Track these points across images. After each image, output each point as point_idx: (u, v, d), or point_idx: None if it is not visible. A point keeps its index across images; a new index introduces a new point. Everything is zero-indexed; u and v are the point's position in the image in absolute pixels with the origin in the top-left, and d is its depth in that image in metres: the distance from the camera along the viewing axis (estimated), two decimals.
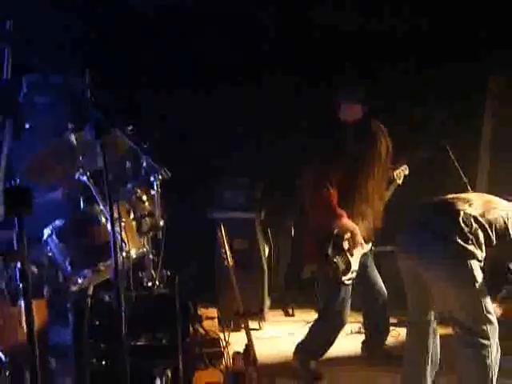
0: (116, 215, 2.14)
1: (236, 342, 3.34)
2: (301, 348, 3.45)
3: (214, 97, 4.21)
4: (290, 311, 4.47)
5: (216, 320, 3.80)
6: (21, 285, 1.31)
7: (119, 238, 2.22)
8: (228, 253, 2.75)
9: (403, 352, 2.95)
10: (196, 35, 4.08)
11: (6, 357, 1.91)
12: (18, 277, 1.31)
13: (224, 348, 3.42)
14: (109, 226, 2.24)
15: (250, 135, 4.30)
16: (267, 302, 4.30)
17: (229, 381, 2.85)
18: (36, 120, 3.54)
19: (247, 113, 4.25)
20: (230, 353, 3.31)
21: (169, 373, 2.74)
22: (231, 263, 2.74)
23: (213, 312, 3.88)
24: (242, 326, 3.72)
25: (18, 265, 1.31)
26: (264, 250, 4.19)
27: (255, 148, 4.27)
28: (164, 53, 4.09)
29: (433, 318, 2.82)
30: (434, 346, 2.85)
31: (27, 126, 3.56)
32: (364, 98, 3.26)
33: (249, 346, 2.88)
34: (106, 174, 1.79)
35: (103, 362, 2.67)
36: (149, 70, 4.04)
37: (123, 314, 2.05)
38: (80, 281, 2.45)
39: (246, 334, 2.85)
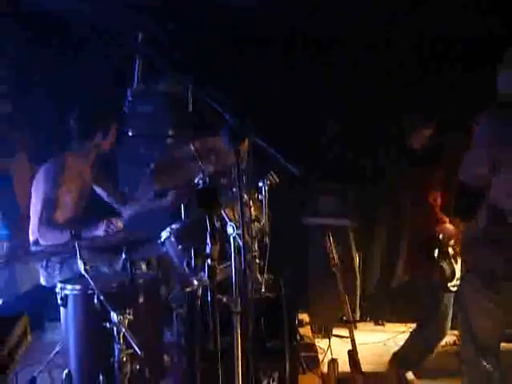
0: (238, 219, 2.19)
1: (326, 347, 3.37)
2: (397, 358, 3.40)
3: (305, 100, 4.21)
4: (381, 320, 4.41)
5: (308, 326, 3.82)
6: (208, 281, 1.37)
7: (241, 242, 2.27)
8: (336, 261, 2.76)
9: None
10: None
11: (141, 351, 1.99)
12: (206, 273, 1.36)
13: (321, 354, 3.44)
14: (228, 230, 2.29)
15: (346, 140, 4.29)
16: (358, 311, 4.27)
17: None
18: (139, 127, 3.70)
19: (338, 116, 4.24)
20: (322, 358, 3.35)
21: (275, 376, 2.77)
22: (339, 271, 2.74)
23: (305, 317, 3.90)
24: (332, 333, 3.75)
25: (208, 261, 1.37)
26: (356, 257, 4.17)
27: (349, 153, 4.26)
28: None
29: None
30: None
31: (130, 133, 3.72)
32: None
33: (353, 353, 2.88)
34: (240, 177, 1.84)
35: (213, 363, 2.72)
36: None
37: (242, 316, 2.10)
38: (195, 282, 2.53)
39: (351, 340, 2.85)
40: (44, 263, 3.24)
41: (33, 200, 3.34)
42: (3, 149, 3.80)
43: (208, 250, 1.42)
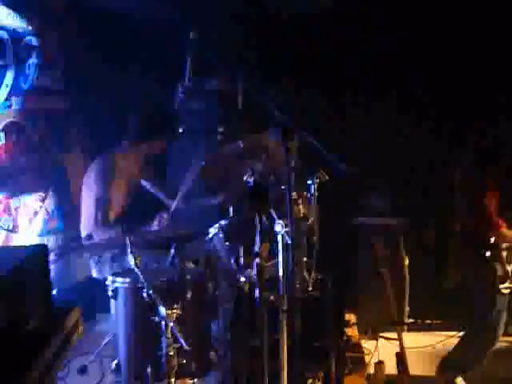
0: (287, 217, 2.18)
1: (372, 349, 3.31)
2: (447, 362, 3.31)
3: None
4: (430, 323, 4.30)
5: (355, 326, 3.77)
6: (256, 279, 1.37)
7: (289, 239, 2.26)
8: (385, 262, 2.71)
9: None
10: None
11: (188, 345, 2.01)
12: (255, 272, 1.36)
13: (367, 355, 3.39)
14: (276, 228, 2.28)
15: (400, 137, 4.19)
16: (407, 313, 4.18)
17: None
18: (190, 124, 3.73)
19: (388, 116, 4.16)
20: (368, 360, 3.30)
21: (321, 376, 2.75)
22: (388, 272, 2.70)
23: (352, 318, 3.85)
24: (379, 334, 3.68)
25: (257, 260, 1.37)
26: (405, 259, 4.08)
27: (402, 153, 4.16)
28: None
29: None
30: None
31: (181, 129, 3.77)
32: None
33: (401, 355, 2.82)
34: (290, 175, 1.83)
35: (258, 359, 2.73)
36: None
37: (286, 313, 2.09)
38: (242, 279, 2.54)
39: (400, 343, 2.79)
40: (96, 258, 3.34)
41: (84, 197, 3.44)
42: (60, 143, 3.92)
43: (257, 248, 1.42)
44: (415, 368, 3.53)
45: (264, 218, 1.72)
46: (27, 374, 1.41)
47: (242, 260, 2.47)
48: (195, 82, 3.51)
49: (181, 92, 3.70)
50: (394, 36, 4.01)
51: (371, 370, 3.17)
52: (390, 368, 3.09)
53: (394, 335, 4.03)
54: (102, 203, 3.26)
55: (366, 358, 3.41)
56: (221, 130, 3.63)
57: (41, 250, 1.75)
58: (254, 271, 2.25)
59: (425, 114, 4.12)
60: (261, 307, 2.24)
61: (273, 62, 3.97)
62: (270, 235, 2.26)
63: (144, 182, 3.51)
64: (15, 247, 2.90)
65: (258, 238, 1.65)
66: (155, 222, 3.05)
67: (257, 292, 2.15)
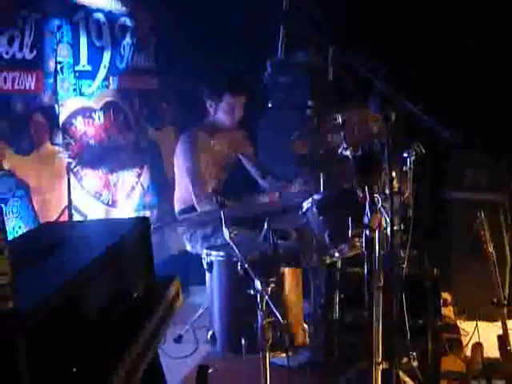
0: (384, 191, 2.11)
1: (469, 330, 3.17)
2: None
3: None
4: None
5: (451, 306, 3.63)
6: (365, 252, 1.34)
7: (386, 214, 2.18)
8: (488, 239, 2.57)
9: None
10: None
11: (283, 319, 2.02)
12: (364, 244, 1.33)
13: (464, 336, 3.26)
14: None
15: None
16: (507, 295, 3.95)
17: (483, 372, 2.67)
18: (278, 99, 3.71)
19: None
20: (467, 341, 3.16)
21: (416, 355, 2.67)
22: (492, 251, 2.55)
23: (447, 297, 3.70)
24: (479, 315, 3.50)
25: (367, 232, 1.34)
26: (506, 237, 3.84)
27: (501, 121, 3.88)
28: None
29: None
30: None
31: (270, 105, 3.75)
32: None
33: (504, 338, 2.68)
34: (388, 147, 1.75)
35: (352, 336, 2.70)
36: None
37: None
38: (336, 254, 2.50)
39: (502, 324, 2.65)
40: (188, 236, 3.43)
41: (176, 172, 3.53)
42: (153, 121, 4.04)
43: (366, 220, 1.37)
44: None
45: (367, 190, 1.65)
46: (133, 344, 1.47)
47: (336, 235, 2.43)
48: (285, 55, 3.47)
49: (270, 66, 3.69)
50: None
51: (468, 352, 3.04)
52: (489, 351, 2.94)
53: (492, 317, 3.86)
54: (194, 176, 3.34)
55: (464, 340, 3.29)
56: (311, 104, 3.58)
57: (143, 222, 1.80)
58: (364, 244, 2.16)
59: None
60: (370, 283, 2.19)
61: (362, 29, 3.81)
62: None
63: (242, 158, 3.56)
64: (118, 219, 3.04)
65: (368, 210, 1.59)
66: (249, 198, 3.08)
67: (365, 267, 2.09)
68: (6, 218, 2.65)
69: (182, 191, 3.49)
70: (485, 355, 2.92)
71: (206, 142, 3.43)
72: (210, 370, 1.99)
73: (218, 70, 3.69)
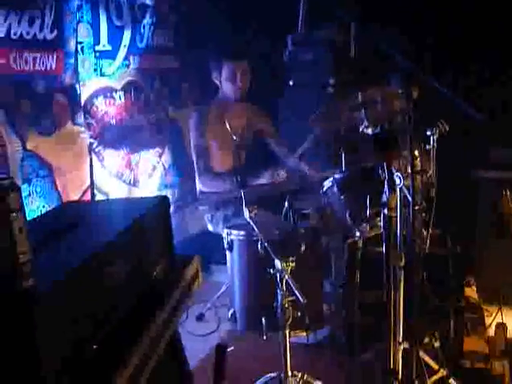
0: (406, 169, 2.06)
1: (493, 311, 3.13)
2: None
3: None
4: None
5: (474, 287, 3.58)
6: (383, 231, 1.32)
7: (408, 193, 2.14)
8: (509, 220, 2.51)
9: None
10: None
11: (303, 298, 2.01)
12: (382, 223, 1.31)
13: (487, 317, 3.22)
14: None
15: None
16: None
17: (506, 352, 2.64)
18: (300, 77, 3.66)
19: None
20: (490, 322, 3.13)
21: (438, 335, 2.65)
22: None
23: (471, 278, 3.66)
24: (503, 296, 3.46)
25: (385, 211, 1.32)
26: None
27: None
28: None
29: None
30: None
31: (291, 82, 3.71)
32: None
33: None
34: (410, 124, 1.71)
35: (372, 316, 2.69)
36: None
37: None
38: (358, 234, 2.48)
39: None
40: (209, 216, 3.43)
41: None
42: (174, 101, 4.03)
43: (384, 198, 1.35)
44: None
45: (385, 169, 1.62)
46: (152, 320, 1.48)
47: (357, 215, 2.40)
48: (306, 32, 3.41)
49: (291, 43, 3.63)
50: None
51: (491, 332, 3.01)
52: None
53: None
54: (199, 150, 3.35)
55: (487, 320, 3.25)
56: (332, 81, 3.52)
57: (163, 201, 1.80)
58: (382, 223, 2.14)
59: None
60: (389, 262, 2.16)
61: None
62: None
63: (269, 140, 3.52)
64: (138, 198, 3.05)
65: (386, 188, 1.56)
66: (268, 176, 3.06)
67: (384, 246, 2.06)
68: (30, 197, 2.69)
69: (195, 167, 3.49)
70: (508, 336, 2.90)
71: (218, 117, 3.33)
72: (229, 349, 2.00)
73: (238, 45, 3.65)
